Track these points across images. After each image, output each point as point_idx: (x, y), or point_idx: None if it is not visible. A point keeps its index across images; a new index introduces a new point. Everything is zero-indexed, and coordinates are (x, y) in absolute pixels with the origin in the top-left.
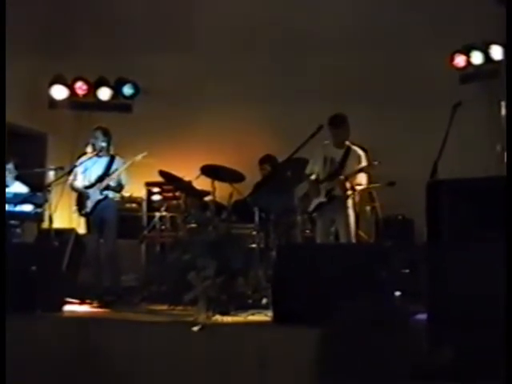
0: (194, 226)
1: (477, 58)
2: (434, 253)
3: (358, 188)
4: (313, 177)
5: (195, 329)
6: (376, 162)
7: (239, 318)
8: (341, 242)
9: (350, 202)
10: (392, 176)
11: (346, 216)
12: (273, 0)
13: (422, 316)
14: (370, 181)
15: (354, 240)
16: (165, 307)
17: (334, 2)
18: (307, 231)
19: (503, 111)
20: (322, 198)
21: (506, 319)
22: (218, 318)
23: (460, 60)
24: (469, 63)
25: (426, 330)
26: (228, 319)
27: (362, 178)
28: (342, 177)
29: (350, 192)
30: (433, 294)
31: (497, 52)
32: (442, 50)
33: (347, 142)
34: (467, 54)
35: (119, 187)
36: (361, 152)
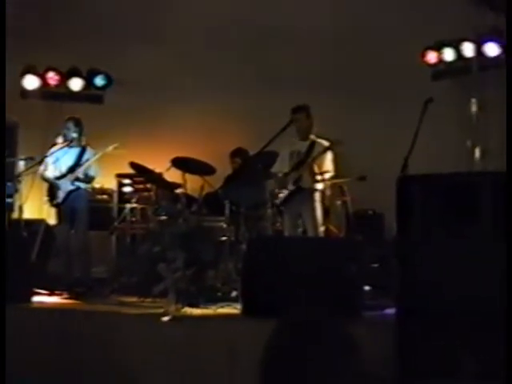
0: (164, 217)
1: (448, 54)
2: (402, 247)
3: (327, 176)
4: (280, 174)
5: (165, 319)
6: (341, 141)
7: (208, 311)
8: (308, 235)
9: (317, 196)
10: (363, 170)
11: (313, 209)
12: None
13: (391, 310)
14: (340, 175)
15: (320, 233)
16: (135, 299)
17: None
18: (278, 224)
19: (473, 108)
20: (290, 187)
21: (506, 319)
22: (188, 310)
23: (432, 56)
24: (440, 60)
25: (394, 324)
26: (197, 311)
27: (328, 165)
28: (308, 160)
29: (318, 177)
30: (401, 288)
31: (468, 49)
32: (415, 46)
33: (312, 136)
34: (439, 50)
35: (89, 178)
36: (326, 144)
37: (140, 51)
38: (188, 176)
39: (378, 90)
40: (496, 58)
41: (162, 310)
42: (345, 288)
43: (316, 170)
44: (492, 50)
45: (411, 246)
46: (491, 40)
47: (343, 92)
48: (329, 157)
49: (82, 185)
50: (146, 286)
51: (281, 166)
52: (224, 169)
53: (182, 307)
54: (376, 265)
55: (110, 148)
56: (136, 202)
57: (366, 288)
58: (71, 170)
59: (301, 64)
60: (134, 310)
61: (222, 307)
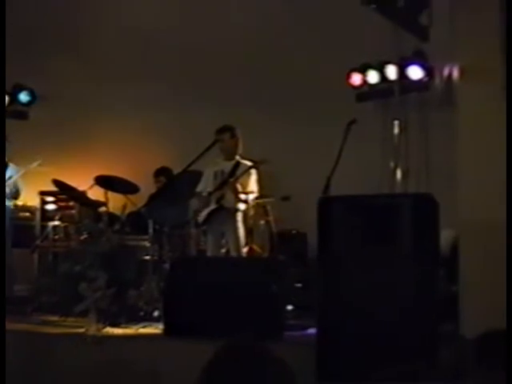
0: (86, 236)
1: (372, 77)
2: (323, 268)
3: (251, 197)
4: (204, 193)
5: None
6: (265, 161)
7: (130, 331)
8: (231, 255)
9: (239, 216)
10: (287, 190)
11: (236, 229)
12: (171, 6)
13: (314, 330)
14: (264, 195)
15: (243, 253)
16: (56, 318)
17: (234, 13)
18: (201, 244)
19: (396, 130)
20: (213, 207)
21: (506, 318)
22: (109, 329)
23: (356, 78)
24: (365, 82)
25: (315, 344)
26: (119, 331)
27: (253, 185)
28: (231, 179)
29: (242, 197)
30: (322, 308)
31: (392, 71)
32: (341, 67)
33: (237, 157)
34: (363, 72)
35: (15, 194)
36: (251, 164)
37: (65, 67)
38: (111, 194)
39: (303, 110)
40: (419, 81)
41: (83, 330)
42: (267, 308)
43: (239, 189)
44: (415, 73)
45: (331, 266)
46: (414, 63)
47: (269, 110)
48: (253, 177)
49: (7, 201)
50: (68, 305)
51: (205, 186)
52: (148, 187)
53: (104, 327)
54: (299, 284)
55: (34, 165)
56: (59, 220)
57: (289, 308)
58: None
59: (227, 82)
60: (55, 329)
61: (144, 327)
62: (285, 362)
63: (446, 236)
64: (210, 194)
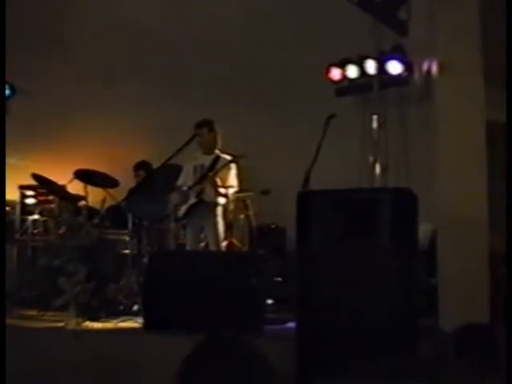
0: (66, 230)
1: (352, 71)
2: (302, 262)
3: (230, 191)
4: (184, 188)
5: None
6: (244, 155)
7: (109, 325)
8: (210, 249)
9: (219, 210)
10: (267, 184)
11: (215, 223)
12: (150, 5)
13: (293, 324)
14: (244, 189)
15: (222, 247)
16: (35, 312)
17: (209, 10)
18: (181, 238)
19: (375, 124)
20: (192, 201)
21: (506, 319)
22: (89, 324)
23: (336, 73)
24: (344, 77)
25: (295, 337)
26: (98, 325)
27: (232, 180)
28: (211, 173)
29: (221, 191)
30: (301, 302)
31: (371, 66)
32: (320, 62)
33: (217, 151)
34: (343, 67)
35: None
36: (230, 158)
37: (45, 61)
38: (90, 188)
39: (283, 104)
40: (398, 76)
41: (62, 324)
42: (247, 302)
43: (219, 183)
44: (394, 67)
45: (310, 260)
46: (394, 58)
47: (249, 105)
48: (232, 172)
49: None
50: (47, 299)
51: (184, 180)
52: (127, 182)
53: (83, 321)
54: (279, 278)
55: (14, 159)
56: (38, 214)
57: (269, 302)
58: None
59: (206, 77)
60: (35, 323)
61: (124, 321)
62: (264, 355)
63: (424, 230)
64: (189, 188)
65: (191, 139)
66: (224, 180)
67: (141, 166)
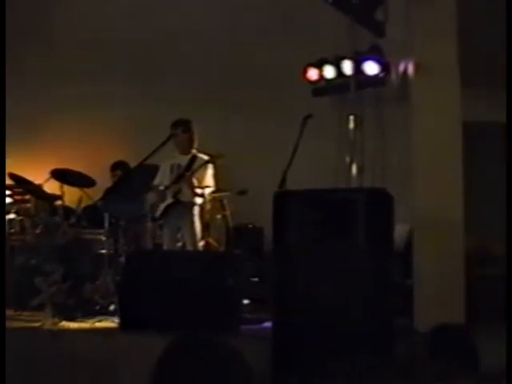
0: (42, 229)
1: (329, 72)
2: (279, 261)
3: (207, 191)
4: (161, 187)
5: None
6: (221, 155)
7: (86, 324)
8: (187, 249)
9: (196, 210)
10: (244, 184)
11: (192, 223)
12: (122, 2)
13: (270, 324)
14: (221, 189)
15: (200, 247)
16: (11, 312)
17: (184, 8)
18: (158, 238)
19: (352, 125)
20: (169, 201)
21: (506, 318)
22: (65, 323)
23: (313, 73)
24: (321, 77)
25: (271, 337)
26: (74, 325)
27: (209, 180)
28: (187, 173)
29: (198, 191)
30: (278, 301)
31: (348, 67)
32: (297, 62)
33: (194, 150)
34: (320, 67)
35: None
36: (207, 158)
37: (20, 60)
38: (67, 188)
39: (260, 104)
40: (374, 77)
41: (38, 324)
42: (223, 301)
43: (195, 183)
44: (371, 68)
45: (286, 260)
46: (370, 59)
47: (226, 106)
48: (209, 172)
49: None
50: (23, 298)
51: (161, 180)
52: (104, 181)
53: (59, 321)
54: (255, 278)
55: None
56: (15, 214)
57: (246, 301)
58: None
59: (182, 77)
60: (11, 323)
61: (100, 321)
62: (240, 353)
63: (400, 231)
64: (166, 188)
65: (168, 139)
66: (201, 180)
67: (118, 165)
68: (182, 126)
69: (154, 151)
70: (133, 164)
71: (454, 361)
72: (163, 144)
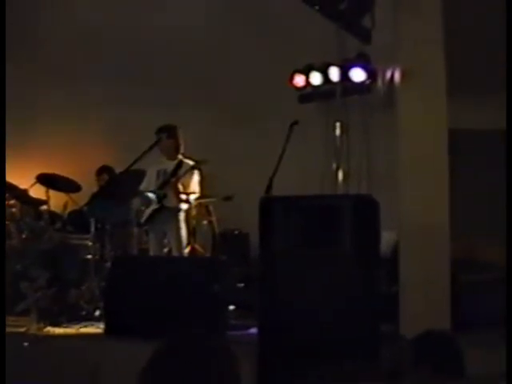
0: (27, 234)
1: (316, 78)
2: (265, 268)
3: (192, 197)
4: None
5: (25, 344)
6: (206, 160)
7: (71, 330)
8: (173, 254)
9: (182, 215)
10: (230, 190)
11: (178, 229)
12: (107, 5)
13: (256, 330)
14: (207, 195)
15: (185, 253)
16: None
17: (171, 13)
18: (144, 243)
19: (338, 131)
20: (155, 206)
21: (506, 318)
22: (50, 329)
23: (299, 80)
24: (308, 83)
25: (257, 343)
26: (60, 331)
27: (194, 186)
28: (173, 179)
29: (183, 196)
30: (263, 307)
31: (335, 73)
32: (284, 68)
33: (180, 156)
34: (307, 73)
35: None
36: (192, 164)
37: (8, 64)
38: (52, 193)
39: (246, 110)
40: (361, 84)
41: (23, 329)
42: (209, 307)
43: (181, 189)
44: (357, 75)
45: (272, 266)
46: (357, 65)
47: (212, 111)
48: (195, 178)
49: None
50: (8, 304)
51: (148, 185)
52: (90, 186)
53: (45, 326)
54: (241, 284)
55: None
56: None
57: (231, 307)
58: None
59: (168, 81)
60: None
61: (85, 326)
62: (228, 347)
63: (386, 238)
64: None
65: (154, 144)
66: (186, 186)
67: (103, 170)
68: (167, 131)
69: (141, 156)
70: (118, 169)
71: (440, 366)
72: (150, 149)
